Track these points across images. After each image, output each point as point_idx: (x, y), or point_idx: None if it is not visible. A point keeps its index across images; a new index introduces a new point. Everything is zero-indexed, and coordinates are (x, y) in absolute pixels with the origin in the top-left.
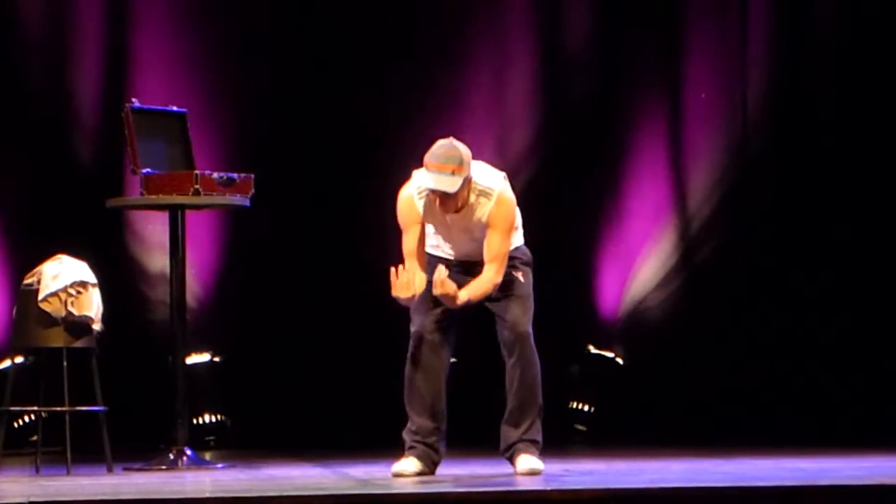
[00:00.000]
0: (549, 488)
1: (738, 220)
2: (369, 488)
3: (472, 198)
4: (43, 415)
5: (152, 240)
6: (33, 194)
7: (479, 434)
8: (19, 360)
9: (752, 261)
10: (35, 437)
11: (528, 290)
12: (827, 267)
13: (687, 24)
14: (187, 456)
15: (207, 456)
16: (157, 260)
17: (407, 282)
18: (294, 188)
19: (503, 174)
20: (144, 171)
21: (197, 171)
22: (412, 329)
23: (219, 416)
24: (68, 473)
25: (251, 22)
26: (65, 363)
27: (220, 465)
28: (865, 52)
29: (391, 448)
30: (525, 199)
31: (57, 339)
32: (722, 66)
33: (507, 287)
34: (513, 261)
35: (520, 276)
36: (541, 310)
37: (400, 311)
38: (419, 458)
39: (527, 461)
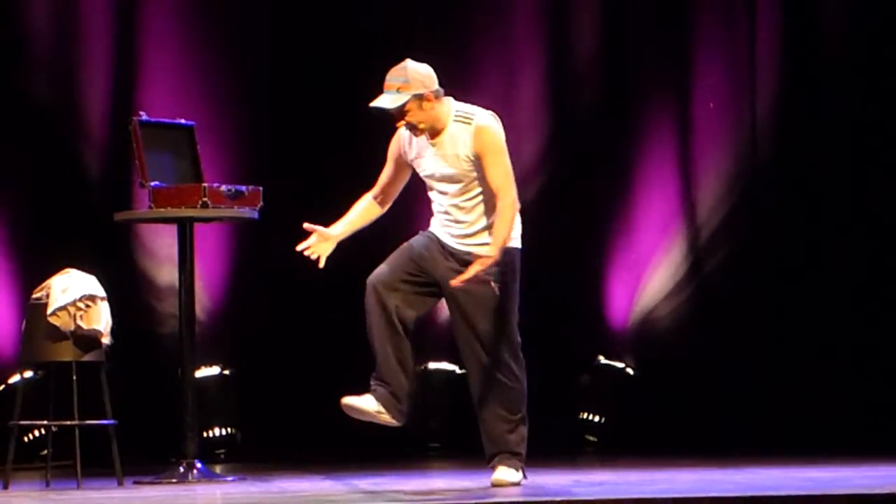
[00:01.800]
0: (559, 499)
1: (747, 230)
2: (378, 500)
3: (451, 123)
4: (53, 429)
5: (161, 253)
6: (42, 208)
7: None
8: (29, 374)
9: (762, 270)
10: (45, 452)
11: (505, 300)
12: (836, 275)
13: (695, 33)
14: (197, 469)
15: (218, 469)
16: (166, 273)
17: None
18: (302, 200)
19: (492, 113)
20: (152, 184)
21: (205, 184)
22: (372, 277)
23: (229, 429)
24: (79, 487)
25: (258, 35)
26: (74, 377)
27: (230, 478)
28: (873, 61)
29: (400, 460)
30: (534, 210)
31: (66, 352)
32: (730, 75)
33: (479, 295)
34: (492, 268)
35: (495, 287)
36: (551, 320)
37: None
38: (379, 398)
39: (503, 473)
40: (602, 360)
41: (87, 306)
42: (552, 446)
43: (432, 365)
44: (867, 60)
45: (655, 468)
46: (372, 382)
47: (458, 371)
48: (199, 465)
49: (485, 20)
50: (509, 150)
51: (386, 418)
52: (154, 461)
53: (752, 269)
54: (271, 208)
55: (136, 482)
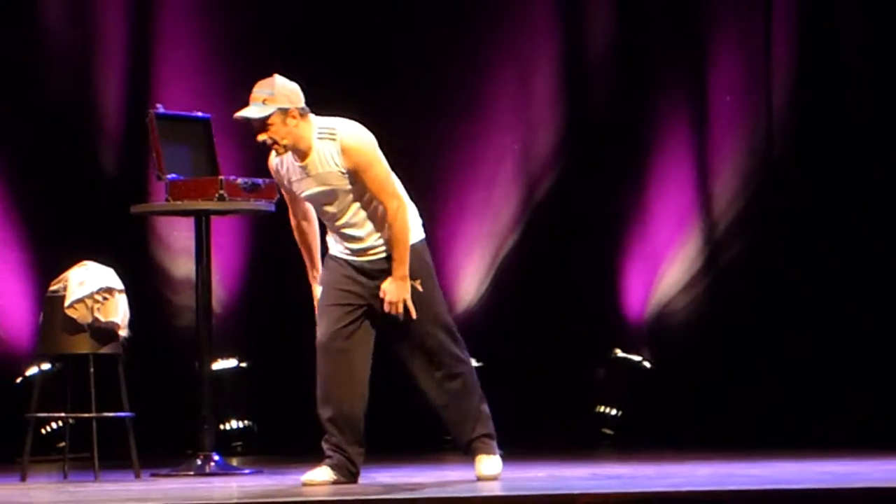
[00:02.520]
0: (576, 492)
1: (763, 223)
2: (395, 493)
3: (315, 140)
4: (70, 421)
5: (177, 246)
6: (58, 201)
7: None
8: (46, 366)
9: (778, 263)
10: (62, 444)
11: (432, 295)
12: (853, 269)
13: (711, 27)
14: (214, 461)
15: (234, 461)
16: (183, 266)
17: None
18: None
19: (356, 123)
20: (169, 176)
21: (222, 177)
22: (318, 338)
23: (245, 422)
24: (96, 479)
25: (275, 27)
26: (91, 369)
27: (247, 471)
28: (890, 56)
29: (418, 453)
30: (550, 203)
31: (83, 345)
32: (746, 68)
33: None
34: (410, 266)
35: (417, 284)
36: (567, 313)
37: None
38: (334, 467)
39: (486, 465)
40: (618, 353)
41: (105, 299)
42: (569, 439)
43: None
44: (884, 55)
45: (672, 461)
46: (325, 448)
47: (473, 364)
48: (216, 457)
49: (499, 13)
50: (525, 145)
51: (341, 482)
52: (171, 454)
53: (767, 262)
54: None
55: (153, 475)
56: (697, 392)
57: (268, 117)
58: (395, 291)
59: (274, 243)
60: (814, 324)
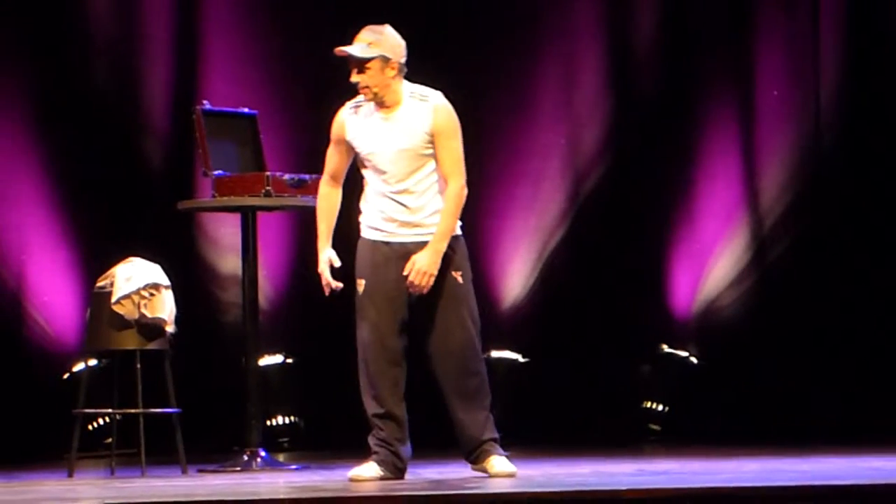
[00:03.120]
0: (622, 488)
1: (810, 218)
2: (443, 488)
3: (406, 99)
4: (117, 417)
5: (224, 242)
6: (105, 197)
7: None
8: (93, 362)
9: (825, 258)
10: (109, 440)
11: (468, 288)
12: None
13: (758, 20)
14: (261, 457)
15: (281, 457)
16: (229, 262)
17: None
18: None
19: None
20: (216, 173)
21: (268, 173)
22: (362, 334)
23: (292, 418)
24: (143, 475)
25: (319, 22)
26: (138, 365)
27: (293, 467)
28: None
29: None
30: (597, 199)
31: (130, 341)
32: (794, 62)
33: (442, 287)
34: (451, 255)
35: (458, 276)
36: (614, 309)
37: None
38: (381, 463)
39: (503, 463)
40: (665, 349)
41: (151, 295)
42: (616, 435)
43: (495, 354)
44: None
45: (719, 457)
46: (372, 444)
47: (520, 360)
48: (262, 453)
49: (546, 10)
50: (571, 140)
51: (388, 478)
52: (217, 450)
53: (815, 257)
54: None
55: (199, 470)
56: (745, 388)
57: (369, 59)
58: (427, 262)
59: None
60: (864, 319)
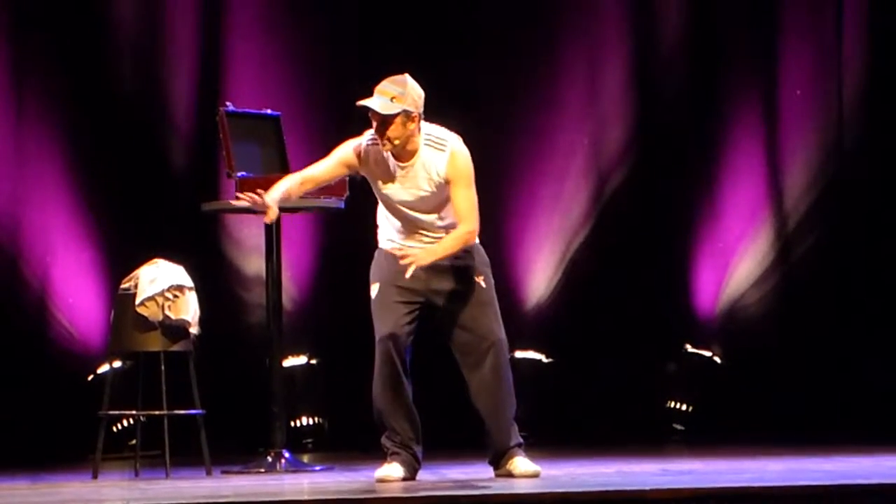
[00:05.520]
0: (647, 488)
1: (834, 218)
2: (468, 489)
3: (422, 147)
4: (141, 418)
5: (248, 243)
6: (129, 199)
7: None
8: (117, 364)
9: (849, 258)
10: (134, 441)
11: (492, 294)
12: None
13: (782, 21)
14: (285, 458)
15: (305, 458)
16: (253, 263)
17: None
18: None
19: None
20: (239, 174)
21: (291, 174)
22: (379, 335)
23: (316, 419)
24: (167, 477)
25: (343, 25)
26: (162, 367)
27: (317, 468)
28: None
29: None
30: (620, 198)
31: (154, 343)
32: (817, 63)
33: (468, 294)
34: (470, 263)
35: (481, 280)
36: (638, 309)
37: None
38: (403, 463)
39: (526, 464)
40: (689, 348)
41: (175, 296)
42: (640, 434)
43: (519, 354)
44: None
45: (743, 457)
46: (390, 445)
47: (544, 360)
48: (286, 454)
49: (571, 8)
50: (595, 141)
51: (408, 478)
52: (242, 451)
53: (839, 256)
54: (358, 198)
55: (224, 472)
56: (769, 387)
57: (394, 115)
58: (423, 254)
59: (344, 240)
60: (886, 317)
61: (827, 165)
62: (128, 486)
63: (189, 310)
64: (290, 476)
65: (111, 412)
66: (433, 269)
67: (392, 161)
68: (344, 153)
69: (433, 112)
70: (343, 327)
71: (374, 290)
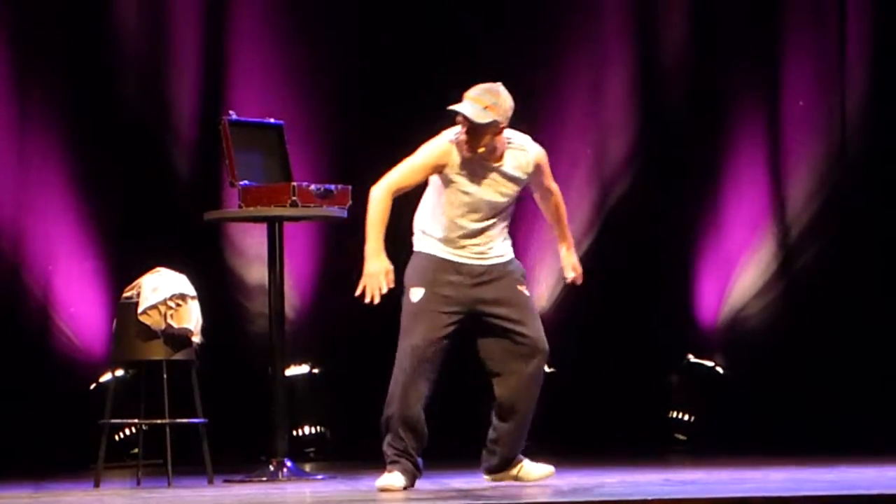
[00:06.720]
0: (649, 498)
1: (837, 228)
2: (470, 499)
3: (507, 151)
4: (143, 427)
5: (250, 252)
6: (132, 207)
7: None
8: (120, 373)
9: (852, 268)
10: (136, 450)
11: (533, 301)
12: None
13: (784, 32)
14: (287, 467)
15: (307, 467)
16: (256, 272)
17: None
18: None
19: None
20: (242, 183)
21: (294, 183)
22: (413, 341)
23: (318, 428)
24: (169, 486)
25: (346, 33)
26: (165, 376)
27: (320, 477)
28: None
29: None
30: (623, 208)
31: (157, 351)
32: (820, 73)
33: (516, 301)
34: (512, 270)
35: (524, 289)
36: (640, 318)
37: None
38: (404, 472)
39: (538, 467)
40: (691, 358)
41: (178, 305)
42: (642, 445)
43: None
44: None
45: (746, 467)
46: (391, 453)
47: (546, 370)
48: (288, 463)
49: (573, 19)
50: (598, 150)
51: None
52: (244, 460)
53: (842, 267)
54: (360, 207)
55: (226, 481)
56: (771, 397)
57: (487, 124)
58: (576, 260)
59: (347, 249)
60: (891, 327)
61: (830, 175)
62: (130, 495)
63: (191, 318)
64: (293, 485)
65: (113, 421)
66: (480, 277)
67: (481, 161)
68: (431, 156)
69: (437, 123)
70: (345, 336)
71: (417, 294)
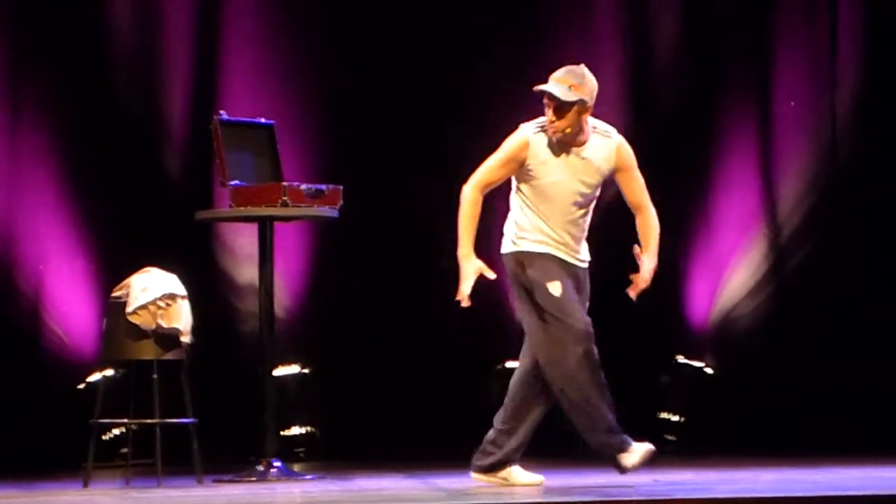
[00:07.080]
0: (639, 498)
1: (828, 228)
2: (460, 499)
3: (592, 136)
4: (133, 427)
5: (241, 252)
6: (123, 207)
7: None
8: (109, 372)
9: (843, 268)
10: (125, 450)
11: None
12: None
13: (776, 31)
14: (277, 467)
15: (297, 467)
16: (246, 271)
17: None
18: (382, 199)
19: None
20: (233, 183)
21: (285, 183)
22: (583, 324)
23: (308, 428)
24: (158, 486)
25: (338, 34)
26: (155, 375)
27: (309, 477)
28: None
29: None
30: (613, 208)
31: (147, 351)
32: (811, 73)
33: (587, 294)
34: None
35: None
36: (630, 319)
37: (489, 323)
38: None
39: (528, 475)
40: (681, 359)
41: (168, 305)
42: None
43: (510, 364)
44: None
45: (735, 468)
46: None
47: None
48: (278, 463)
49: (564, 17)
50: None
51: None
52: (234, 459)
53: (833, 267)
54: (351, 207)
55: (215, 480)
56: (760, 398)
57: (573, 103)
58: (649, 265)
59: (337, 249)
60: (881, 329)
61: (820, 176)
62: (119, 495)
63: (181, 318)
64: (282, 485)
65: (103, 421)
66: (579, 270)
67: (565, 148)
68: (512, 149)
69: (427, 122)
70: (335, 336)
71: (556, 287)
